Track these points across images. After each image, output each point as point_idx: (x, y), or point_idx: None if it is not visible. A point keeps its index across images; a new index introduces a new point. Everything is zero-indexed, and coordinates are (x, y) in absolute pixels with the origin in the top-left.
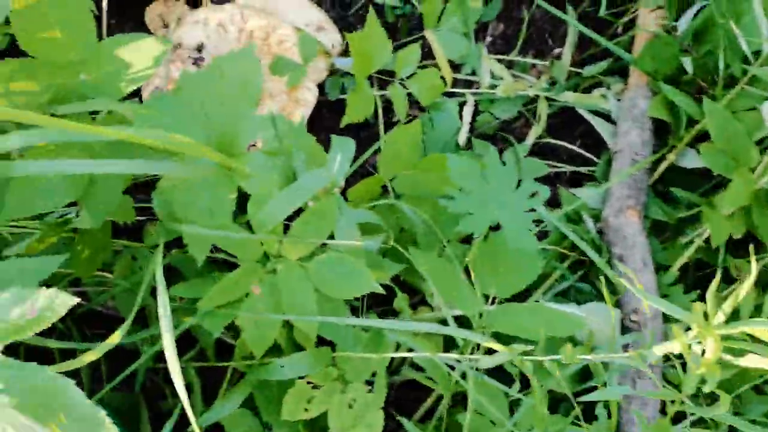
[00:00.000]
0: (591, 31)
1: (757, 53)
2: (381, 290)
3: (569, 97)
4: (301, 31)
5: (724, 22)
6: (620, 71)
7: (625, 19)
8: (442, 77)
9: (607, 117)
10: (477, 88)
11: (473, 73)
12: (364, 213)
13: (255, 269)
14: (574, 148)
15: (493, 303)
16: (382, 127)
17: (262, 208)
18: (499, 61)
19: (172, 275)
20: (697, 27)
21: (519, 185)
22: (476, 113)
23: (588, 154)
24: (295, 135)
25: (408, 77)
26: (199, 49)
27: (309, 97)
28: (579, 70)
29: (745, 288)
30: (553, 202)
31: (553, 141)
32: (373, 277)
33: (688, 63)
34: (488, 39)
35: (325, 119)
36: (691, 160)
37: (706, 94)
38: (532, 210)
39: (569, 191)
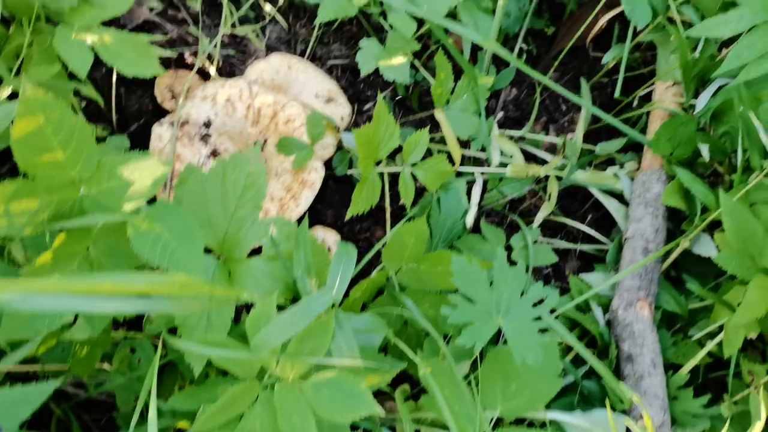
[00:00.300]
0: (604, 113)
1: None
2: (382, 412)
3: (581, 177)
4: (310, 111)
5: (743, 110)
6: (634, 145)
7: (641, 92)
8: (451, 159)
9: (620, 195)
10: (486, 165)
11: (483, 149)
12: (365, 318)
13: (252, 387)
14: (585, 228)
15: (498, 423)
16: (389, 211)
17: (261, 330)
18: (511, 137)
19: (171, 367)
20: (715, 107)
21: (527, 281)
22: (485, 189)
23: (598, 235)
24: (297, 237)
25: (416, 163)
26: (207, 125)
27: (315, 177)
28: (592, 147)
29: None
30: (561, 277)
31: (563, 219)
32: (372, 400)
33: (705, 149)
34: (500, 114)
35: (332, 192)
36: (705, 247)
37: (723, 179)
38: (539, 318)
39: (578, 276)
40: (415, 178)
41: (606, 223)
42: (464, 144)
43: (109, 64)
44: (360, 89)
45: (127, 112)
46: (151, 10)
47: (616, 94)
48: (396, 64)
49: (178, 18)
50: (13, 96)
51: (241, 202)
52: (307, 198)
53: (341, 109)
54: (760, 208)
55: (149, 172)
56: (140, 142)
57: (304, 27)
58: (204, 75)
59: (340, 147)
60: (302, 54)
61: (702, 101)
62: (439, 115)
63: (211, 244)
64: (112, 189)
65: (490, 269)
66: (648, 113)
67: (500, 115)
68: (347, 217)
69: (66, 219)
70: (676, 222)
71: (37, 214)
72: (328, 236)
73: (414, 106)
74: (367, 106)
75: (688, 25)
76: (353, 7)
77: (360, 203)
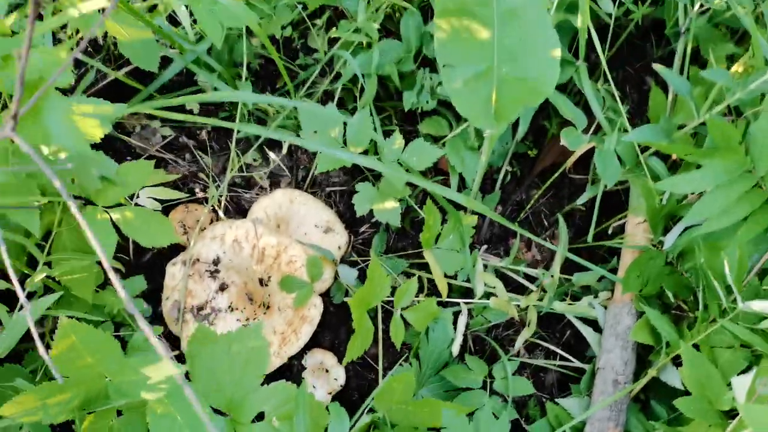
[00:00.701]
0: (577, 257)
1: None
2: None
3: (559, 307)
4: (311, 251)
5: (703, 262)
6: (610, 270)
7: (616, 222)
8: (439, 299)
9: (594, 321)
10: (472, 294)
11: (468, 280)
12: None
13: None
14: (562, 353)
15: None
16: (381, 336)
17: None
18: (496, 272)
19: None
20: (681, 246)
21: None
22: (470, 315)
23: (574, 360)
24: (296, 399)
25: (406, 307)
26: (216, 262)
27: (314, 313)
28: (569, 277)
29: None
30: (541, 387)
31: (542, 343)
32: None
33: (670, 293)
34: (484, 246)
35: (330, 316)
36: (671, 376)
37: (687, 315)
38: None
39: (554, 402)
40: (404, 319)
41: (582, 343)
42: (450, 275)
43: (130, 237)
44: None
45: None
46: (164, 138)
47: (589, 238)
48: (388, 208)
49: (190, 146)
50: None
51: (245, 372)
52: (306, 333)
53: (339, 239)
54: (719, 351)
55: (164, 371)
56: (155, 272)
57: (305, 153)
58: (215, 209)
59: (337, 276)
60: (303, 180)
61: (669, 240)
62: (428, 255)
63: (221, 406)
64: (133, 381)
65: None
66: (622, 239)
67: (484, 247)
68: (344, 363)
69: (93, 404)
70: (646, 348)
71: (68, 404)
72: (326, 359)
73: (407, 228)
74: (363, 229)
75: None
76: (348, 162)
77: (355, 350)
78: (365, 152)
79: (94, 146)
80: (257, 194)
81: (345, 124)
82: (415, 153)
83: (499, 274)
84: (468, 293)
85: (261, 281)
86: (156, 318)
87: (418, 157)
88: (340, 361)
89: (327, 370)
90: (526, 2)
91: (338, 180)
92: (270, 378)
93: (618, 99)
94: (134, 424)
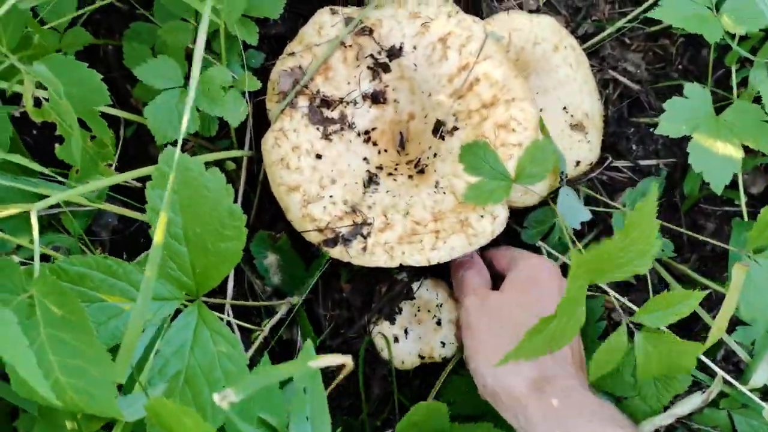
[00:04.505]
0: None
1: None
2: None
3: None
4: (537, 139)
5: None
6: None
7: None
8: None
9: None
10: (737, 377)
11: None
12: None
13: None
14: None
15: None
16: None
17: None
18: None
19: None
20: None
21: None
22: (714, 403)
23: None
24: None
25: (646, 328)
26: (393, 53)
27: (485, 228)
28: None
29: None
30: None
31: None
32: None
33: None
34: None
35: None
36: None
37: None
38: None
39: None
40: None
41: None
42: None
43: None
44: (629, 133)
45: None
46: None
47: None
48: (725, 155)
49: None
50: None
51: None
52: (453, 249)
53: (585, 150)
54: None
55: None
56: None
57: (612, 2)
58: None
59: (548, 201)
60: (584, 40)
61: None
62: (739, 272)
63: None
64: None
65: None
66: None
67: None
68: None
69: None
70: None
71: None
72: (448, 306)
73: (682, 210)
74: (623, 163)
75: None
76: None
77: (533, 345)
78: None
79: None
80: (512, 6)
81: None
82: None
83: None
84: (730, 369)
85: (438, 127)
86: (260, 73)
87: None
88: None
89: (439, 323)
90: None
91: (635, 68)
92: (359, 278)
93: None
94: None
